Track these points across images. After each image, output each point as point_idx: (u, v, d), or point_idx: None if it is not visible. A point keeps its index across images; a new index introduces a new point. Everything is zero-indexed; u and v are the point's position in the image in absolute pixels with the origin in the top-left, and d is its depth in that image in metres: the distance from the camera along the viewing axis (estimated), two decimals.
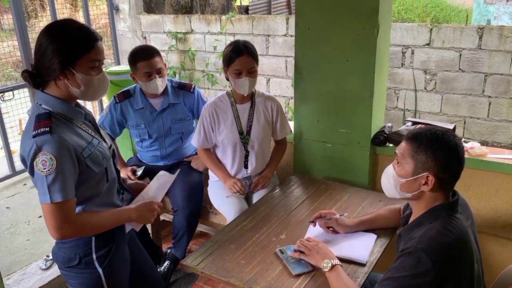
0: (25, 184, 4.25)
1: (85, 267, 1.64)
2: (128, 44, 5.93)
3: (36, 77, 1.51)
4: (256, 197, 2.43)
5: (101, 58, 1.55)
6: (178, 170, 1.99)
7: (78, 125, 1.57)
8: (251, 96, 2.48)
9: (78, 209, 1.57)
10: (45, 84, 1.53)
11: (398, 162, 1.52)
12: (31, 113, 1.52)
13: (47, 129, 1.44)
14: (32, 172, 1.46)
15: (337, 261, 1.62)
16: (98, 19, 6.42)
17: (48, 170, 1.42)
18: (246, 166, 2.50)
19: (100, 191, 1.62)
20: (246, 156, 2.48)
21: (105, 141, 1.67)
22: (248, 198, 2.49)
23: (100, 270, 1.65)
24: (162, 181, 1.85)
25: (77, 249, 1.62)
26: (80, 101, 1.68)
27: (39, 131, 1.44)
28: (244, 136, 2.45)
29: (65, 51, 1.47)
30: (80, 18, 6.37)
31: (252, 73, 2.33)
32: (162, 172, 1.88)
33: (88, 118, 1.65)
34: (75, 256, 1.62)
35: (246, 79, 2.31)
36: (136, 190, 1.84)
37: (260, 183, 2.48)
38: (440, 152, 1.43)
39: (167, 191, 2.67)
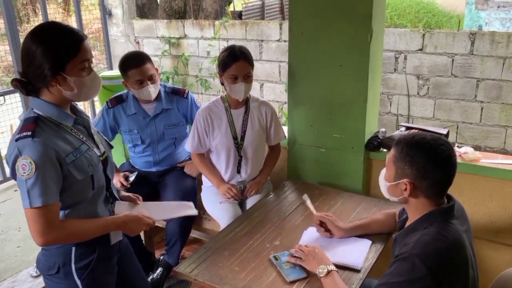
0: (16, 190, 4.20)
1: (64, 277, 1.58)
2: (121, 49, 5.91)
3: (27, 85, 1.50)
4: (250, 202, 2.42)
5: (89, 57, 1.53)
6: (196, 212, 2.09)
7: (68, 130, 1.55)
8: (246, 101, 2.47)
9: (60, 215, 1.53)
10: (37, 91, 1.51)
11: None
12: (23, 117, 1.51)
13: (29, 133, 1.43)
14: (14, 176, 1.45)
15: (333, 267, 1.61)
16: (90, 24, 6.41)
17: (28, 174, 1.40)
18: (239, 172, 2.48)
19: (84, 197, 1.57)
20: (240, 162, 2.47)
21: (98, 148, 1.64)
22: (241, 204, 2.47)
23: (79, 282, 1.59)
24: (175, 208, 1.87)
25: (57, 257, 1.57)
26: (78, 105, 1.68)
27: (21, 135, 1.43)
28: (238, 142, 2.44)
29: (52, 58, 1.45)
30: (73, 23, 6.33)
31: (248, 78, 2.32)
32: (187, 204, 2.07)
33: (81, 122, 1.63)
34: (54, 265, 1.58)
35: (242, 84, 2.30)
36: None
37: (253, 189, 2.47)
38: (417, 159, 1.43)
39: (159, 196, 2.68)
